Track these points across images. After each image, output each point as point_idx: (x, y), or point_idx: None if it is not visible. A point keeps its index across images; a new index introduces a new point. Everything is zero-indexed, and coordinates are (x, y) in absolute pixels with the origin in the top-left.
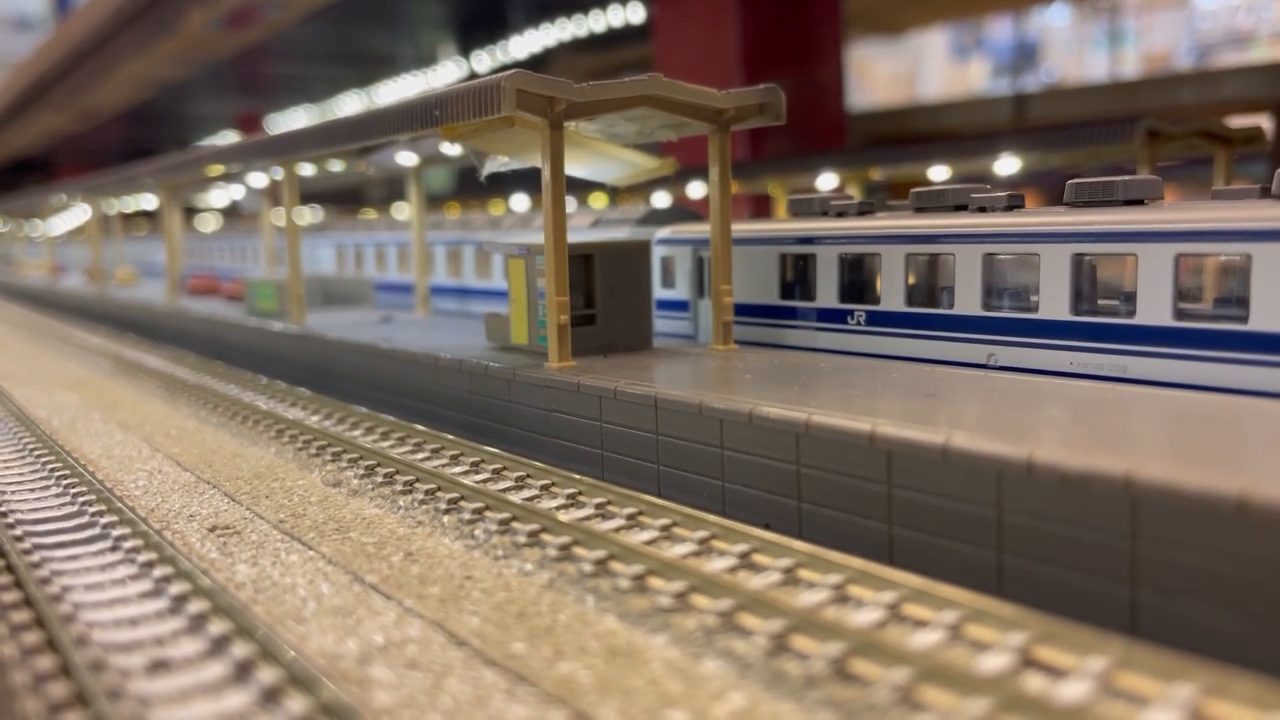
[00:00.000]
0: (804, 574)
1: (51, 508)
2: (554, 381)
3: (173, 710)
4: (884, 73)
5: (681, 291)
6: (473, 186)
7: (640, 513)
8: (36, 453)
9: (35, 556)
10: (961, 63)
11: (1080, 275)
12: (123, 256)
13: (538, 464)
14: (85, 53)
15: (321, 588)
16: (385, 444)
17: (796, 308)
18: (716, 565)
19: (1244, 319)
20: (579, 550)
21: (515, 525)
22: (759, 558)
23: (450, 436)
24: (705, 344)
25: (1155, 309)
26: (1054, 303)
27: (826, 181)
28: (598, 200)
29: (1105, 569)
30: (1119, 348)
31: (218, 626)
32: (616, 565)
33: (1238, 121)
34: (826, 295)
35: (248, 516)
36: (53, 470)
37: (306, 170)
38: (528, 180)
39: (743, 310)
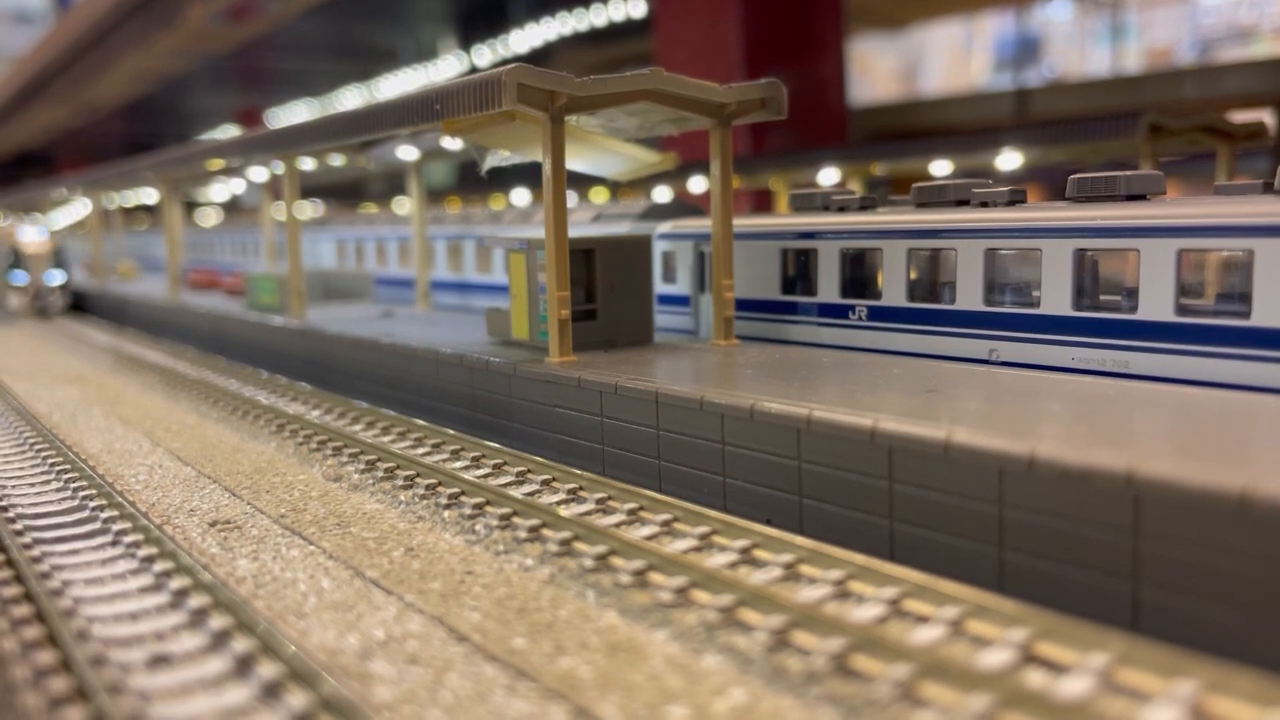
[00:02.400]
0: (805, 569)
1: (52, 502)
2: (555, 376)
3: (173, 705)
4: (885, 67)
5: (683, 286)
6: (473, 181)
7: (641, 508)
8: (37, 447)
9: (36, 551)
10: (970, 55)
11: (1082, 271)
12: (123, 251)
13: (538, 459)
14: (85, 47)
15: (322, 583)
16: (386, 439)
17: (798, 303)
18: (717, 560)
19: (1246, 315)
20: (580, 545)
21: (516, 520)
22: (760, 553)
23: (451, 431)
24: (706, 339)
25: (1157, 305)
26: (1056, 298)
27: (828, 176)
28: (599, 195)
29: (1107, 565)
30: (1121, 343)
31: (218, 621)
32: (617, 560)
33: (1240, 117)
34: (828, 290)
35: (248, 511)
36: (53, 465)
37: (307, 165)
38: (528, 175)
39: (744, 305)
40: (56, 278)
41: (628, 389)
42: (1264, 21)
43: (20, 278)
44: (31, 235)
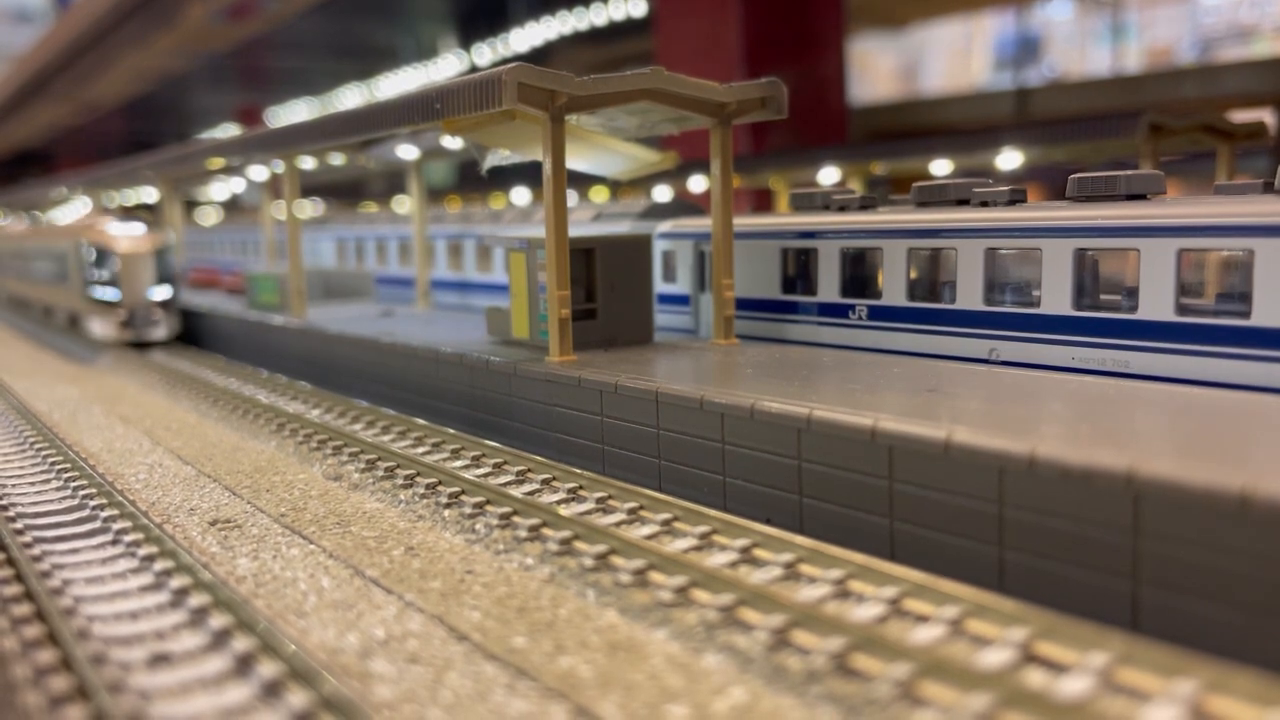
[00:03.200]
0: (805, 569)
1: (52, 501)
2: (555, 376)
3: (173, 704)
4: (886, 66)
5: (683, 286)
6: (473, 180)
7: (641, 507)
8: (37, 446)
9: (36, 550)
10: (971, 54)
11: (1082, 270)
12: None
13: (539, 458)
14: (85, 45)
15: (322, 582)
16: (386, 438)
17: (798, 302)
18: (717, 560)
19: (1246, 314)
20: (580, 545)
21: (516, 520)
22: (760, 553)
23: (451, 431)
24: (706, 338)
25: (1157, 304)
26: (1056, 298)
27: (828, 175)
28: (599, 194)
29: (1107, 564)
30: (1121, 343)
31: (218, 620)
32: (617, 560)
33: (1240, 116)
34: (828, 290)
35: (249, 510)
36: (54, 464)
37: (307, 164)
38: (529, 174)
39: (744, 305)
40: (160, 293)
41: (628, 388)
42: (1264, 21)
43: (109, 293)
44: (124, 231)
